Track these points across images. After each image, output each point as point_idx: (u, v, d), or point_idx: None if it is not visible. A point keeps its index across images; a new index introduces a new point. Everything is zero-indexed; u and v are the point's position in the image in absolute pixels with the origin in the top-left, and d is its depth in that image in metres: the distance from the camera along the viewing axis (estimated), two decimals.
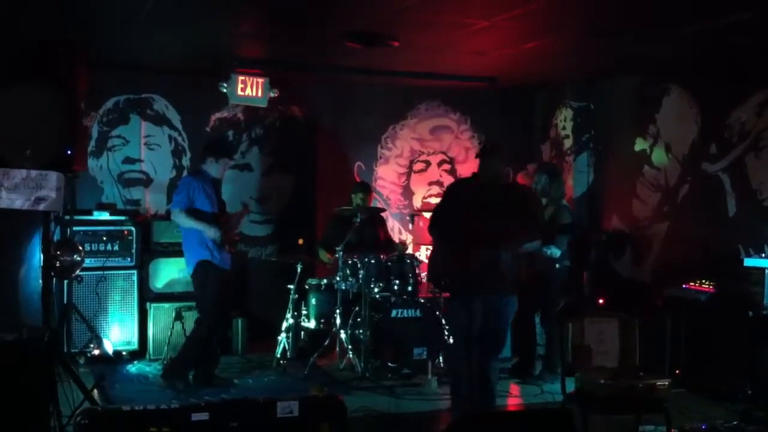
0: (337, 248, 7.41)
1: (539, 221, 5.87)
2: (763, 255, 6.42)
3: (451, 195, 5.82)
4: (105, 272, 7.46)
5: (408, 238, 9.07)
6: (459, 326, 5.54)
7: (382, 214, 8.36)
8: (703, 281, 6.62)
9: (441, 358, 7.24)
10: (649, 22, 6.02)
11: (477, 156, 5.77)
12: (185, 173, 7.97)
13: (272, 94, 7.88)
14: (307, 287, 7.62)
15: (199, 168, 6.78)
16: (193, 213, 6.46)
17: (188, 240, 6.55)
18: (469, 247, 5.43)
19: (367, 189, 8.07)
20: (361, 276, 7.15)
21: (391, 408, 6.08)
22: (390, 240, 8.21)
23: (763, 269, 6.12)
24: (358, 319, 7.09)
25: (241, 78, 7.68)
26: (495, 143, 5.79)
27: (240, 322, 7.94)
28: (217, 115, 8.47)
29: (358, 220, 7.41)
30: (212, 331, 6.59)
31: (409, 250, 8.84)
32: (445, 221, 5.64)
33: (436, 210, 5.93)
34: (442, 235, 5.64)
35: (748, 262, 6.34)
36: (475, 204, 5.50)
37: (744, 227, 6.86)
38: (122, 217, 7.68)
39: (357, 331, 7.09)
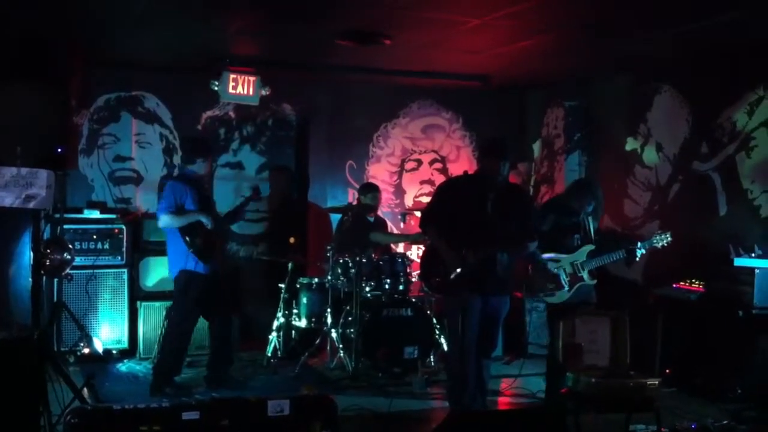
0: (327, 246, 7.42)
1: (536, 223, 5.85)
2: (753, 255, 6.45)
3: (446, 192, 5.79)
4: (95, 271, 7.42)
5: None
6: (458, 327, 5.51)
7: (384, 219, 8.34)
8: (694, 281, 6.63)
9: (432, 357, 7.25)
10: (641, 21, 6.03)
11: (479, 154, 5.75)
12: (167, 178, 7.47)
13: (264, 93, 7.86)
14: (298, 286, 7.61)
15: (184, 171, 6.66)
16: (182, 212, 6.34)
17: (172, 247, 6.41)
18: (466, 246, 5.41)
19: (377, 190, 8.00)
20: (352, 275, 7.14)
21: (381, 407, 6.07)
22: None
23: (752, 269, 6.14)
24: (349, 319, 7.08)
25: (232, 76, 7.65)
26: (498, 142, 5.72)
27: None
28: (209, 113, 8.45)
29: (349, 218, 7.41)
30: (188, 335, 6.51)
31: (400, 249, 8.85)
32: (439, 219, 5.61)
33: (430, 206, 5.90)
34: (438, 232, 5.61)
35: (738, 261, 6.35)
36: (474, 202, 5.48)
37: (734, 227, 6.88)
38: (112, 216, 7.65)
39: (348, 330, 7.08)
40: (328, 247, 7.40)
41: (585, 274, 6.17)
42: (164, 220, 6.28)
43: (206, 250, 6.32)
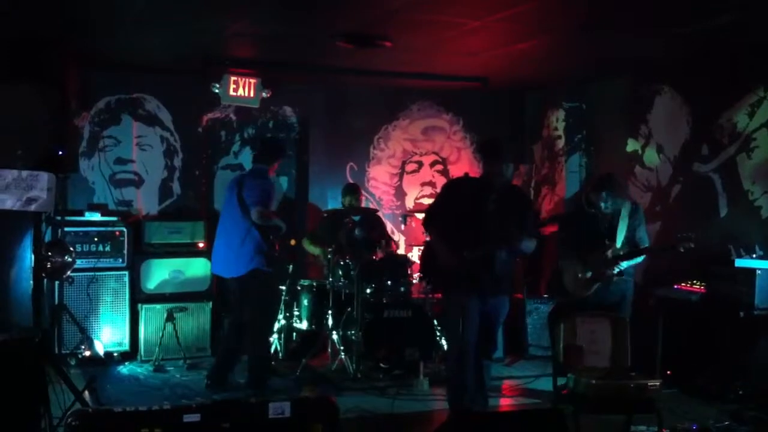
0: (328, 249, 7.42)
1: (536, 224, 5.88)
2: (754, 255, 6.45)
3: (449, 192, 5.85)
4: (96, 273, 7.42)
5: (400, 238, 9.07)
6: (457, 328, 5.51)
7: (377, 218, 8.35)
8: (694, 282, 6.63)
9: (433, 358, 7.24)
10: (640, 23, 6.03)
11: (480, 155, 5.79)
12: (252, 174, 6.92)
13: (264, 95, 7.87)
14: (299, 288, 7.62)
15: (262, 169, 6.60)
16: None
17: (245, 245, 6.36)
18: (465, 245, 5.44)
19: (355, 190, 8.07)
20: (353, 277, 7.15)
21: (383, 408, 6.07)
22: (387, 239, 8.20)
23: (753, 270, 6.14)
24: (350, 320, 7.09)
25: (233, 78, 7.67)
26: (498, 143, 5.75)
27: None
28: (210, 115, 8.45)
29: (348, 220, 7.42)
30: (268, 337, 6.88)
31: (401, 251, 8.85)
32: (441, 218, 5.65)
33: (434, 205, 5.98)
34: (438, 232, 5.65)
35: (739, 262, 6.35)
36: (476, 203, 5.51)
37: (735, 228, 6.88)
38: (114, 218, 7.65)
39: (349, 332, 7.08)
40: (329, 249, 7.41)
41: (611, 270, 6.17)
42: (260, 214, 6.27)
43: (276, 253, 6.48)
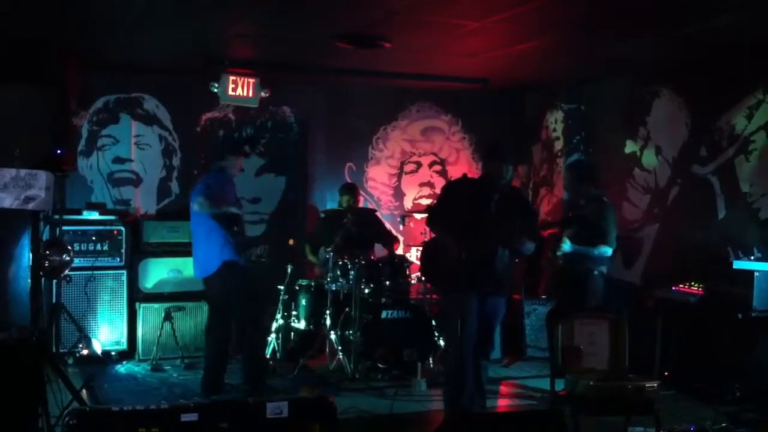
0: (327, 249, 7.41)
1: (536, 225, 5.91)
2: (752, 257, 6.46)
3: (449, 193, 5.88)
4: (94, 272, 7.42)
5: (399, 239, 9.07)
6: (456, 327, 5.52)
7: (375, 214, 8.36)
8: (693, 283, 6.64)
9: (431, 359, 7.23)
10: (640, 24, 6.03)
11: (483, 157, 5.83)
12: (204, 172, 7.24)
13: (263, 95, 7.86)
14: (297, 288, 7.62)
15: (220, 166, 6.59)
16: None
17: (210, 240, 6.31)
18: (466, 246, 5.46)
19: (353, 190, 8.07)
20: (351, 277, 7.14)
21: (381, 409, 6.07)
22: (389, 235, 8.20)
23: (751, 271, 6.14)
24: (349, 320, 7.08)
25: (232, 78, 7.66)
26: (498, 144, 5.80)
27: None
28: (208, 115, 8.45)
29: (347, 221, 7.42)
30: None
31: (400, 251, 8.85)
32: (445, 217, 5.69)
33: (436, 205, 6.03)
34: (443, 228, 5.68)
35: (737, 264, 6.36)
36: (478, 203, 5.54)
37: (733, 229, 6.89)
38: (112, 217, 7.65)
39: (347, 332, 7.08)
40: (327, 249, 7.41)
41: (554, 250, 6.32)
42: (199, 202, 6.19)
43: (244, 243, 6.41)
